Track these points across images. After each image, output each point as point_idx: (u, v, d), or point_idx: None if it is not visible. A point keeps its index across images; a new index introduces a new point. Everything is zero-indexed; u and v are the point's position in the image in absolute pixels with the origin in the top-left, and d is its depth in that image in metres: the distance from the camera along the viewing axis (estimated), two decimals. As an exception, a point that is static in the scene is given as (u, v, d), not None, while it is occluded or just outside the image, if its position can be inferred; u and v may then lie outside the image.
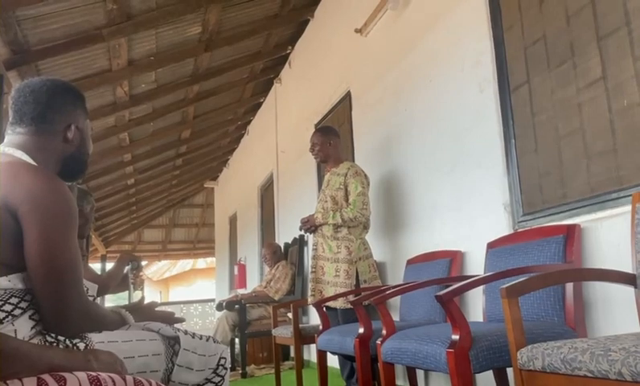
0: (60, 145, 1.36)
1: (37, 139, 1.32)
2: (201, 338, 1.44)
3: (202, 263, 19.92)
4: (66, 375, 0.73)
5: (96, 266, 12.27)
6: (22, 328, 1.11)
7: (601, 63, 2.01)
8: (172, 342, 1.37)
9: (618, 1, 1.94)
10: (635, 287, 1.63)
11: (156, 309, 1.63)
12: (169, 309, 12.73)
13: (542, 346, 1.37)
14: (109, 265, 12.15)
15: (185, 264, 20.22)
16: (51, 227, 1.13)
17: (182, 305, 13.49)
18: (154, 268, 20.17)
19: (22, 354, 0.75)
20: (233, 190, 9.65)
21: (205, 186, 11.49)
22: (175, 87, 5.75)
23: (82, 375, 0.74)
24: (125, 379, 0.80)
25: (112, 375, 0.79)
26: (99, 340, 1.21)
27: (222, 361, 1.48)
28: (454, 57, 2.91)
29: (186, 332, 1.41)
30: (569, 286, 1.93)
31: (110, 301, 12.99)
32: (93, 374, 0.76)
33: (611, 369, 1.14)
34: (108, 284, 2.62)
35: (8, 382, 0.68)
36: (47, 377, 0.71)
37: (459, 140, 2.85)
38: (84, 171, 1.48)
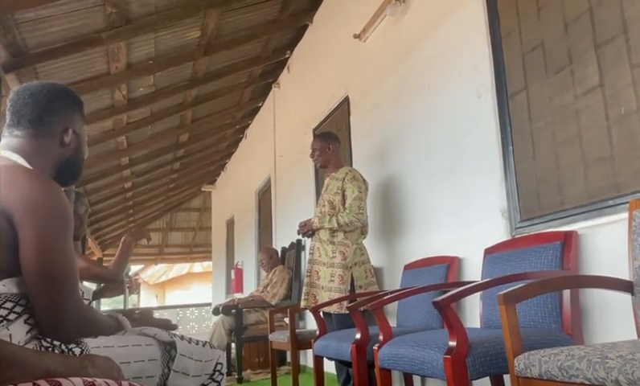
0: (57, 149, 1.36)
1: (34, 142, 1.31)
2: (197, 344, 1.44)
3: (198, 267, 19.88)
4: (61, 380, 0.72)
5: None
6: (17, 333, 1.10)
7: (599, 70, 2.02)
8: (168, 348, 1.36)
9: (616, 9, 1.95)
10: (632, 294, 1.63)
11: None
12: (165, 313, 12.67)
13: (539, 353, 1.37)
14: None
15: (181, 268, 20.18)
16: (47, 233, 1.12)
17: (178, 310, 13.45)
18: (150, 272, 20.12)
19: (18, 359, 0.74)
20: (231, 194, 9.64)
21: (202, 190, 11.48)
22: (173, 91, 5.75)
23: (78, 380, 0.73)
24: (120, 385, 0.79)
25: (108, 380, 0.78)
26: (95, 345, 1.20)
27: (218, 366, 1.47)
28: (452, 63, 2.91)
29: (182, 337, 1.40)
30: (566, 293, 1.93)
31: (106, 304, 12.95)
32: (89, 379, 0.75)
33: (608, 377, 1.14)
34: (115, 275, 2.59)
35: None
36: (42, 383, 0.70)
37: (457, 146, 2.85)
38: (78, 176, 1.47)
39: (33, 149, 1.30)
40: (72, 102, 1.43)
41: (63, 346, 1.14)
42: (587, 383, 1.20)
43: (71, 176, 1.44)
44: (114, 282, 2.62)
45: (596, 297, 1.95)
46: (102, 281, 2.66)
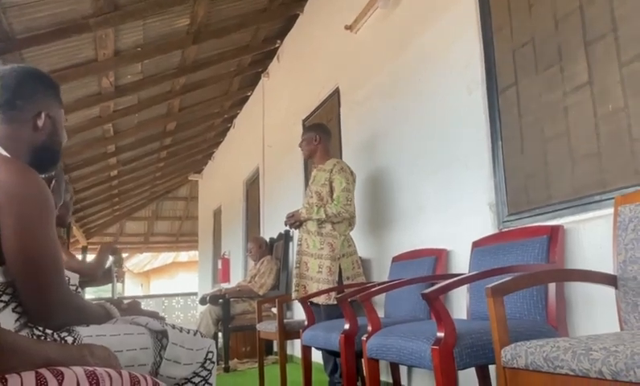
0: (30, 134, 1.32)
1: (6, 128, 1.28)
2: (189, 333, 1.44)
3: (184, 256, 19.79)
4: (63, 369, 0.72)
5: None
6: (6, 322, 1.09)
7: (588, 67, 2.05)
8: (160, 337, 1.37)
9: (606, 7, 1.97)
10: (616, 288, 1.67)
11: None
12: (150, 302, 12.59)
13: (525, 344, 1.40)
14: (90, 257, 12.00)
15: (167, 256, 20.08)
16: (28, 220, 1.10)
17: (163, 299, 13.39)
18: (135, 261, 20.00)
19: (20, 348, 0.74)
20: (218, 183, 9.60)
21: (189, 178, 11.40)
22: (161, 78, 5.70)
23: (79, 370, 0.74)
24: (120, 374, 0.80)
25: (108, 370, 0.79)
26: (87, 334, 1.20)
27: (209, 355, 1.48)
28: (444, 57, 2.93)
29: (173, 326, 1.41)
30: (552, 286, 1.97)
31: (91, 293, 12.86)
32: (90, 369, 0.76)
33: (592, 368, 1.17)
34: (93, 274, 2.60)
35: (7, 376, 0.68)
36: (44, 372, 0.71)
37: (447, 140, 2.88)
38: (56, 162, 1.43)
39: (5, 134, 1.27)
40: (45, 85, 1.38)
41: (55, 335, 1.14)
42: (572, 374, 1.23)
43: (47, 162, 1.39)
44: (92, 278, 2.63)
45: (580, 290, 1.99)
46: (80, 276, 2.66)
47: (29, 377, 0.69)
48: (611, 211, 1.76)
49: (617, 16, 1.92)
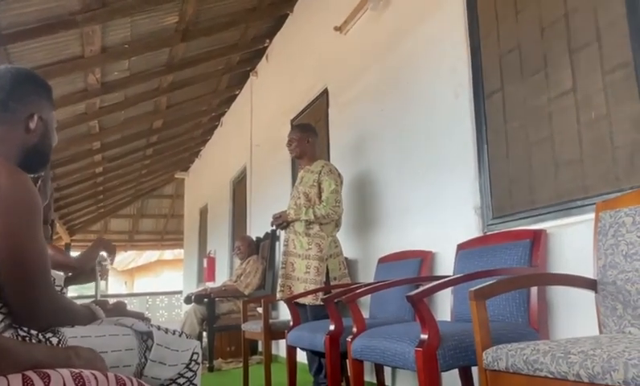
0: (22, 135, 1.31)
1: None
2: (174, 334, 1.45)
3: (169, 254, 19.67)
4: (50, 372, 0.73)
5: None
6: None
7: (572, 75, 2.08)
8: (145, 338, 1.37)
9: (590, 17, 2.01)
10: (596, 292, 1.70)
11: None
12: (134, 300, 12.49)
13: (506, 347, 1.43)
14: (74, 253, 11.85)
15: (151, 254, 19.94)
16: (17, 221, 1.10)
17: (147, 297, 13.30)
18: (119, 259, 19.82)
19: (7, 351, 0.74)
20: (205, 182, 9.56)
21: (176, 176, 11.33)
22: (149, 76, 5.67)
23: (65, 372, 0.74)
24: (107, 377, 0.80)
25: (94, 372, 0.79)
26: (72, 335, 1.20)
27: (194, 356, 1.48)
28: (432, 62, 2.96)
29: (159, 327, 1.41)
30: (534, 289, 2.00)
31: (73, 291, 12.71)
32: (76, 371, 0.76)
33: (570, 371, 1.19)
34: (81, 267, 2.56)
35: None
36: (31, 374, 0.71)
37: (433, 143, 2.91)
38: (45, 164, 1.44)
39: None
40: (38, 87, 1.39)
41: (40, 336, 1.14)
42: (550, 376, 1.25)
43: (38, 163, 1.40)
44: (79, 272, 2.59)
45: (561, 293, 2.03)
46: (67, 269, 2.61)
47: (16, 380, 0.69)
48: (592, 216, 1.79)
49: (601, 25, 1.96)
